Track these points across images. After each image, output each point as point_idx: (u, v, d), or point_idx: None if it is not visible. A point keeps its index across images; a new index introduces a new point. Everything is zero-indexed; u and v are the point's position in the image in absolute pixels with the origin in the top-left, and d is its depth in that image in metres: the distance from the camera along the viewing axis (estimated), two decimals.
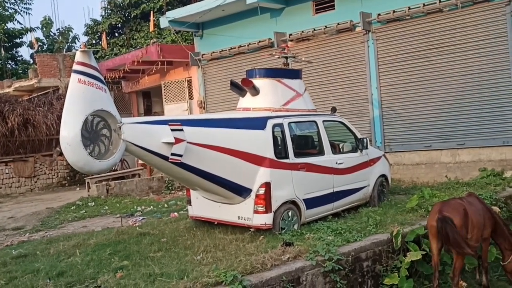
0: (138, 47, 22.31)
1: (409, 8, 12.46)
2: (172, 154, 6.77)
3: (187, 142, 6.90)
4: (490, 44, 11.58)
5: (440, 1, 11.95)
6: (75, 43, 32.44)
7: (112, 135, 6.55)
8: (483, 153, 11.75)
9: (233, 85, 8.86)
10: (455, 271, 6.46)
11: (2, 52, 30.58)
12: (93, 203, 13.73)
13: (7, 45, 31.93)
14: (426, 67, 12.52)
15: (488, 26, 11.59)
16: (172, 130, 6.82)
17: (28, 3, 18.16)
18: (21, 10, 18.31)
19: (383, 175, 10.04)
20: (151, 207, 12.51)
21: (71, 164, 6.40)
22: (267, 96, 8.67)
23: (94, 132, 6.42)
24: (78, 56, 6.35)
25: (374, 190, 9.71)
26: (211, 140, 7.28)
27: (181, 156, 6.84)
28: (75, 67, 6.33)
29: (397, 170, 12.58)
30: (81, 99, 6.28)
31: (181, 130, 6.89)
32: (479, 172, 11.52)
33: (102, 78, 6.60)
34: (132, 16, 24.38)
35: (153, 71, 18.31)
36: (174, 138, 6.76)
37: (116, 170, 15.84)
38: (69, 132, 6.17)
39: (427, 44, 12.48)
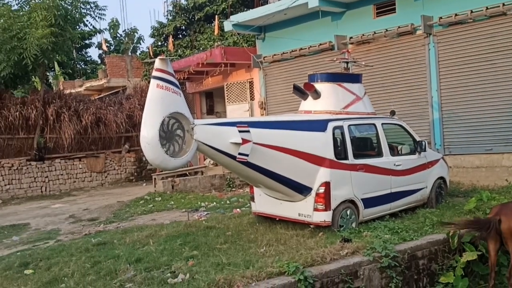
0: (201, 48, 23.06)
1: (472, 11, 12.42)
2: (239, 154, 7.32)
3: (253, 143, 7.43)
4: None
5: (504, 5, 11.86)
6: (140, 44, 33.78)
7: (185, 135, 7.17)
8: None
9: (296, 89, 9.31)
10: None
11: (74, 53, 32.30)
12: (160, 198, 14.55)
13: (77, 45, 33.67)
14: (488, 70, 12.43)
15: None
16: (240, 131, 7.36)
17: (103, 9, 19.05)
18: (96, 16, 19.28)
19: (441, 178, 10.20)
20: (214, 203, 13.11)
21: (150, 161, 7.07)
22: (328, 100, 9.08)
23: (170, 132, 7.05)
24: (157, 63, 7.01)
25: (432, 192, 9.90)
26: (275, 141, 7.75)
27: (247, 155, 7.37)
28: (154, 73, 7.00)
29: (457, 173, 12.60)
30: (159, 102, 6.94)
31: (248, 131, 7.42)
32: None
33: (178, 83, 7.23)
34: (196, 19, 25.20)
35: (217, 73, 18.99)
36: (242, 139, 7.29)
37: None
38: (148, 132, 6.83)
39: (490, 47, 12.39)
